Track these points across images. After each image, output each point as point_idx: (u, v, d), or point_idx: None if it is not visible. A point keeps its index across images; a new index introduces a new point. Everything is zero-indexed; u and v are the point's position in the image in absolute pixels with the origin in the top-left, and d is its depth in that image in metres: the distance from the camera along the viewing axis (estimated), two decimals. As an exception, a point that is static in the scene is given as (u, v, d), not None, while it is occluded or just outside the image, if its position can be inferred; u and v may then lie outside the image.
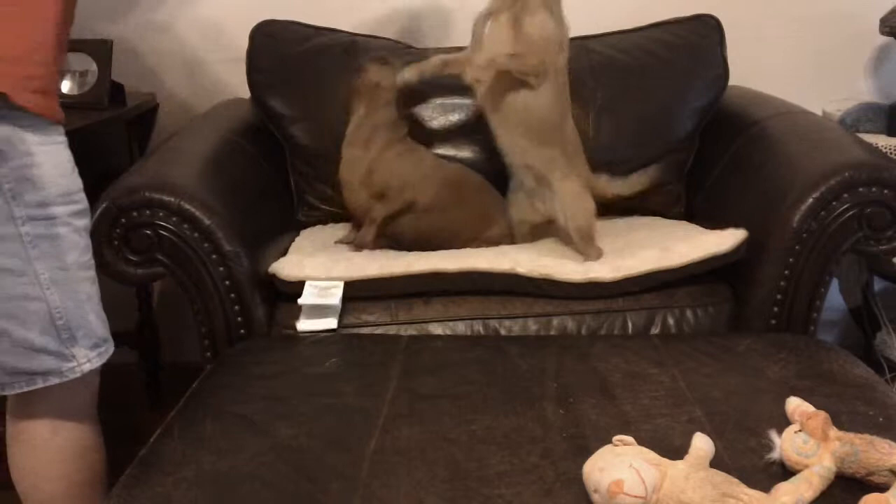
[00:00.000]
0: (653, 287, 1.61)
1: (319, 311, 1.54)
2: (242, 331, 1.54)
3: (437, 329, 1.58)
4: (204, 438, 1.15)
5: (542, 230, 1.81)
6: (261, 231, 1.69)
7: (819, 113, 2.12)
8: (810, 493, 0.96)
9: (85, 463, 1.29)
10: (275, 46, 1.99)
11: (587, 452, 1.02)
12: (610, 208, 1.89)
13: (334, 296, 1.55)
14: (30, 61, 1.13)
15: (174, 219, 1.48)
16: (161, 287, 2.26)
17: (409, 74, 1.78)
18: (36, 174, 1.14)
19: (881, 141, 1.98)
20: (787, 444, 1.03)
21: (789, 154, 1.67)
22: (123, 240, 1.49)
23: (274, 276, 1.59)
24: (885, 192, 1.50)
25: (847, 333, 2.34)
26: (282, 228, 1.86)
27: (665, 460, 0.99)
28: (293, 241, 1.83)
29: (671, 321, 1.60)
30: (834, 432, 1.03)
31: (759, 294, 1.56)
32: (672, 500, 0.94)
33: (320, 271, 1.58)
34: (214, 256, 1.50)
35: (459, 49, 1.78)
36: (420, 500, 1.01)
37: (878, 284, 2.15)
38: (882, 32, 2.03)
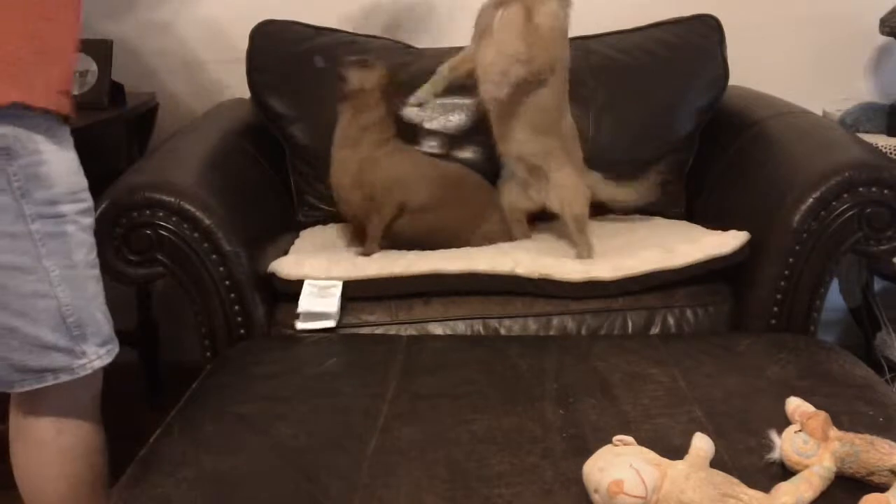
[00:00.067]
0: (653, 287, 1.61)
1: (318, 310, 1.54)
2: (242, 331, 1.54)
3: (437, 329, 1.58)
4: (204, 438, 1.15)
5: (534, 216, 1.82)
6: (260, 231, 1.69)
7: (819, 113, 2.12)
8: (810, 494, 0.96)
9: (88, 464, 1.29)
10: (275, 46, 1.99)
11: (587, 452, 1.02)
12: (610, 209, 1.89)
13: (333, 295, 1.55)
14: (55, 63, 1.15)
15: (174, 219, 1.48)
16: (161, 287, 2.26)
17: (423, 94, 1.79)
18: (45, 172, 1.14)
19: (881, 141, 1.98)
20: (787, 444, 1.03)
21: (789, 154, 1.67)
22: (123, 239, 1.49)
23: (273, 276, 1.59)
24: (885, 192, 1.50)
25: (847, 333, 2.33)
26: (282, 228, 1.86)
27: (665, 460, 0.99)
28: (293, 241, 1.83)
29: (671, 321, 1.59)
30: (834, 432, 1.03)
31: (759, 294, 1.56)
32: (672, 500, 0.94)
33: (320, 271, 1.58)
34: (214, 256, 1.50)
35: (459, 49, 1.78)
36: (420, 500, 1.01)
37: (878, 284, 2.15)
38: (882, 32, 2.03)
